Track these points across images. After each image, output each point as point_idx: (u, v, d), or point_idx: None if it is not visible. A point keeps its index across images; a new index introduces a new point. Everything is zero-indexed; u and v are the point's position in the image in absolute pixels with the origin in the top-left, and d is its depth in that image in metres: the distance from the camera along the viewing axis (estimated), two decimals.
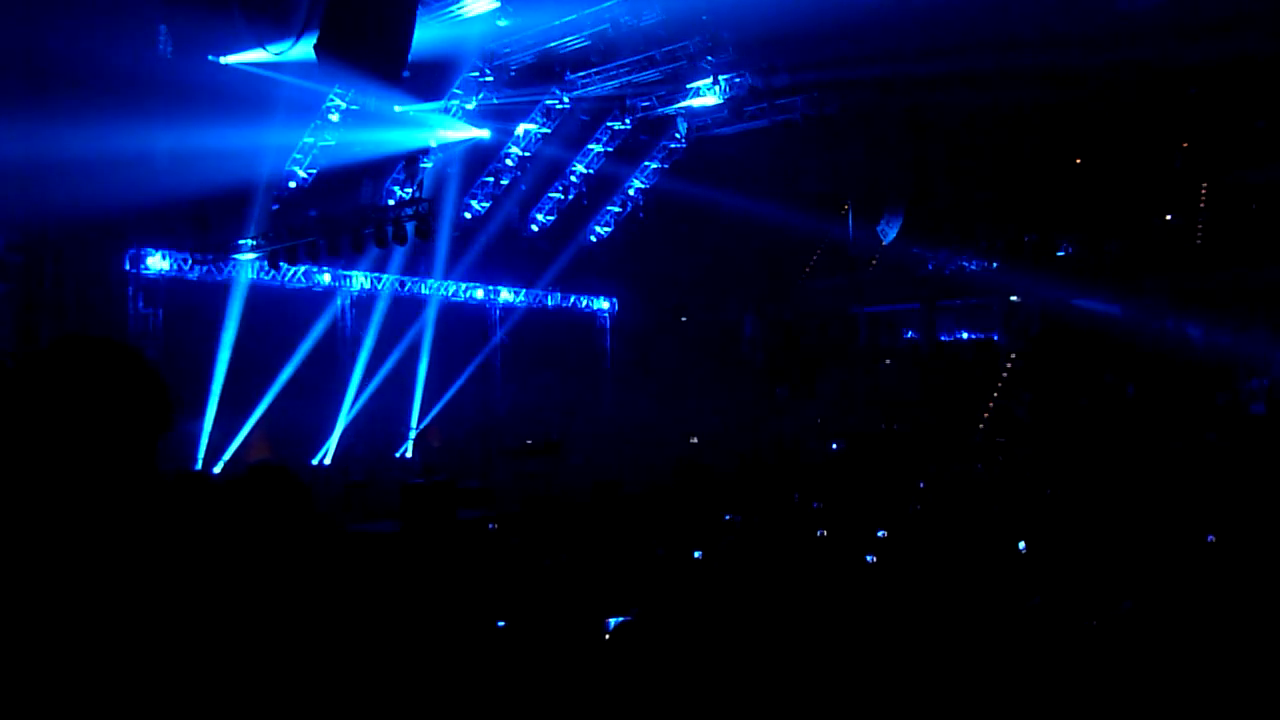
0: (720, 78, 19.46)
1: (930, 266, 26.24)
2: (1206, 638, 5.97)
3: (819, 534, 10.36)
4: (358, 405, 20.38)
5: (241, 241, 17.29)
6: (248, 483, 2.50)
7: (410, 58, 12.13)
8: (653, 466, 17.98)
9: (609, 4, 16.69)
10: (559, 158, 22.89)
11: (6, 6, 14.00)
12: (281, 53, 13.09)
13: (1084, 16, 18.07)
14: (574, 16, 17.15)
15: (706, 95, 20.06)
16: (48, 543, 1.51)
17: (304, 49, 12.89)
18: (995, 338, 26.36)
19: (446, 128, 19.56)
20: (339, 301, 20.58)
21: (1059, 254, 25.27)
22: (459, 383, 22.10)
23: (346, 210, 17.45)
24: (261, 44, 13.01)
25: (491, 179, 22.10)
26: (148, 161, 16.65)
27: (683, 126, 23.42)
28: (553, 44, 17.85)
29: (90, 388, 1.61)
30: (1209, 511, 10.77)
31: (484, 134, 20.32)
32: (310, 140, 18.66)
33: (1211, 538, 9.16)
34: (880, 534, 9.94)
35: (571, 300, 25.67)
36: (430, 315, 21.71)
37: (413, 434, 20.78)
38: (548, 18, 17.25)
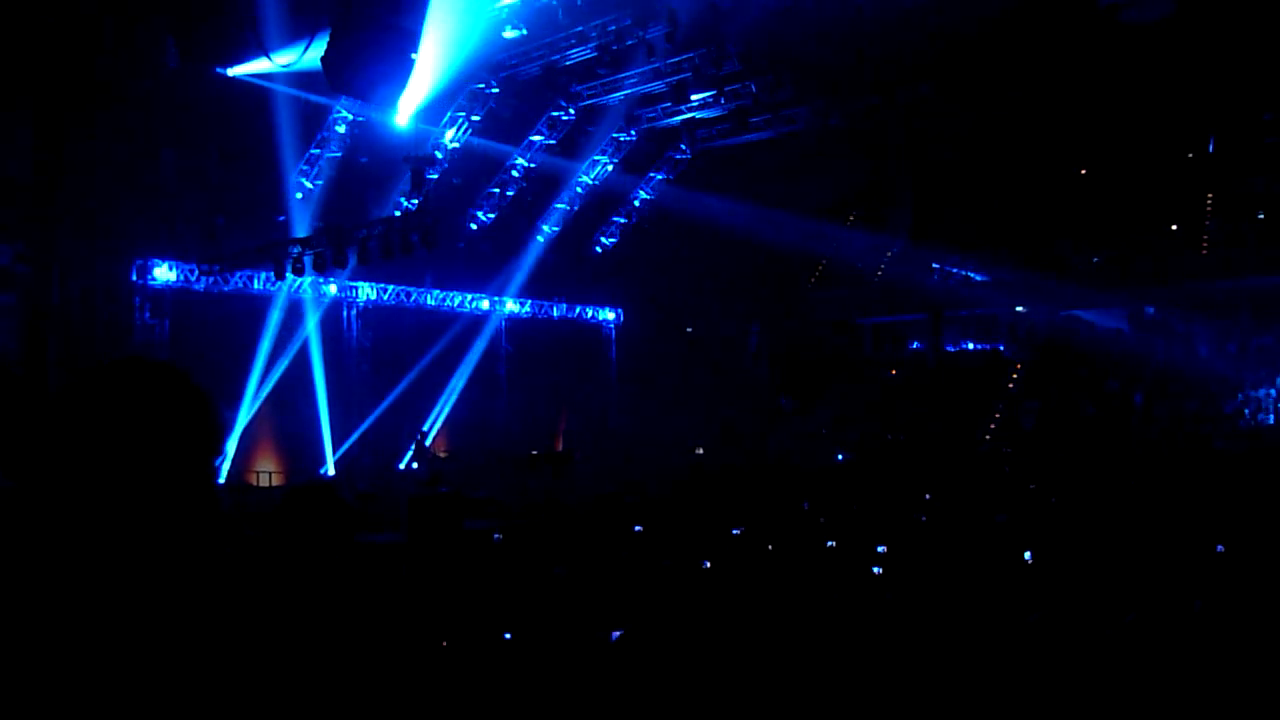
0: (725, 89, 19.51)
1: (936, 277, 26.24)
2: (1215, 648, 5.94)
3: (828, 545, 10.32)
4: (372, 415, 20.42)
5: (248, 252, 17.34)
6: (295, 503, 2.49)
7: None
8: (658, 477, 17.96)
9: (615, 16, 16.74)
10: (564, 169, 22.94)
11: (13, 20, 14.08)
12: (288, 65, 13.18)
13: (1089, 27, 18.09)
14: (580, 29, 17.20)
15: (711, 107, 20.13)
16: (101, 569, 1.51)
17: (310, 61, 12.99)
18: (1001, 348, 26.31)
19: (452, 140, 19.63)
20: (345, 312, 20.62)
21: (1064, 264, 25.25)
22: (463, 392, 22.10)
23: (352, 221, 17.49)
24: (269, 56, 13.09)
25: (497, 190, 22.14)
26: (154, 172, 16.74)
27: (687, 138, 23.47)
28: (558, 56, 17.89)
29: (147, 414, 1.60)
30: (1217, 521, 10.72)
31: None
32: (317, 151, 18.73)
33: (1221, 548, 9.11)
34: (880, 549, 9.86)
35: (577, 311, 25.68)
36: (436, 326, 21.74)
37: (413, 445, 20.76)
38: (555, 29, 17.30)
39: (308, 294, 19.36)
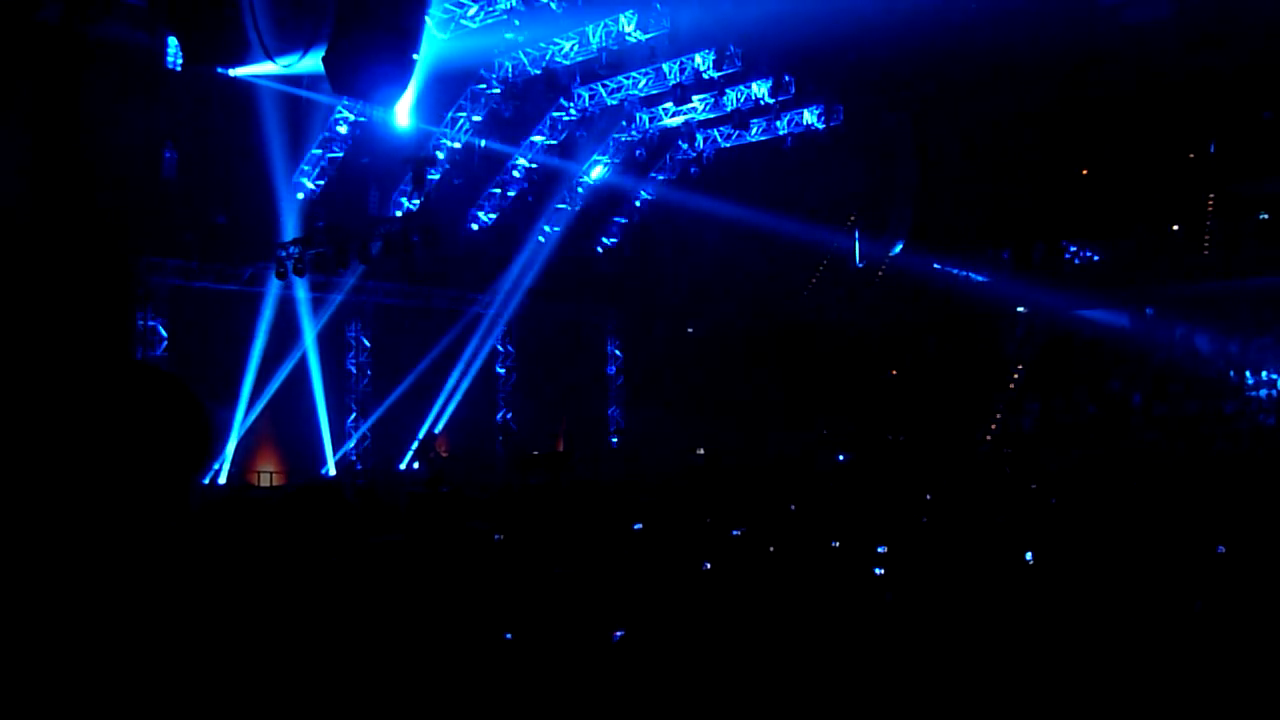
0: (727, 90, 19.52)
1: (936, 278, 26.24)
2: (1216, 647, 5.94)
3: (828, 545, 10.32)
4: (373, 415, 20.44)
5: (249, 252, 17.35)
6: (300, 503, 2.51)
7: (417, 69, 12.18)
8: (659, 478, 17.97)
9: (616, 17, 16.75)
10: (564, 169, 22.95)
11: (14, 18, 14.09)
12: (289, 65, 13.18)
13: (1090, 29, 18.09)
14: (582, 29, 17.20)
15: (712, 108, 20.13)
16: (75, 563, 1.52)
17: (311, 62, 13.01)
18: (1002, 348, 26.32)
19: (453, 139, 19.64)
20: (346, 312, 20.62)
21: (1066, 264, 25.25)
22: (464, 392, 22.11)
23: (354, 221, 17.50)
24: (271, 57, 13.09)
25: (498, 190, 22.15)
26: (155, 172, 16.74)
27: (688, 139, 23.48)
28: (560, 56, 17.90)
29: (144, 421, 1.62)
30: (1218, 522, 10.72)
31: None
32: (318, 151, 18.74)
33: (1222, 549, 9.11)
34: (880, 549, 9.84)
35: (577, 311, 25.67)
36: (437, 326, 21.75)
37: (414, 445, 20.77)
38: (555, 30, 17.30)
39: (308, 294, 19.36)
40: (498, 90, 18.86)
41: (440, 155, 19.90)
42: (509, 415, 23.62)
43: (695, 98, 20.06)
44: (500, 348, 23.83)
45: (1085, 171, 24.68)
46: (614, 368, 26.74)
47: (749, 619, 6.98)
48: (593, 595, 7.85)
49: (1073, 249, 25.41)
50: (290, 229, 18.04)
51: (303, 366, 18.89)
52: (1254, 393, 20.73)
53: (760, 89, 19.63)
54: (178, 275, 17.64)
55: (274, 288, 18.28)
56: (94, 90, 14.89)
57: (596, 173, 23.42)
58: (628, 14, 16.66)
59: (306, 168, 18.82)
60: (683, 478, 18.35)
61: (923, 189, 25.51)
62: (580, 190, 23.65)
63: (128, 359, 16.75)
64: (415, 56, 12.57)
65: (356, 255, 16.36)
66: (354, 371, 20.66)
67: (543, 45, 17.77)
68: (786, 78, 19.39)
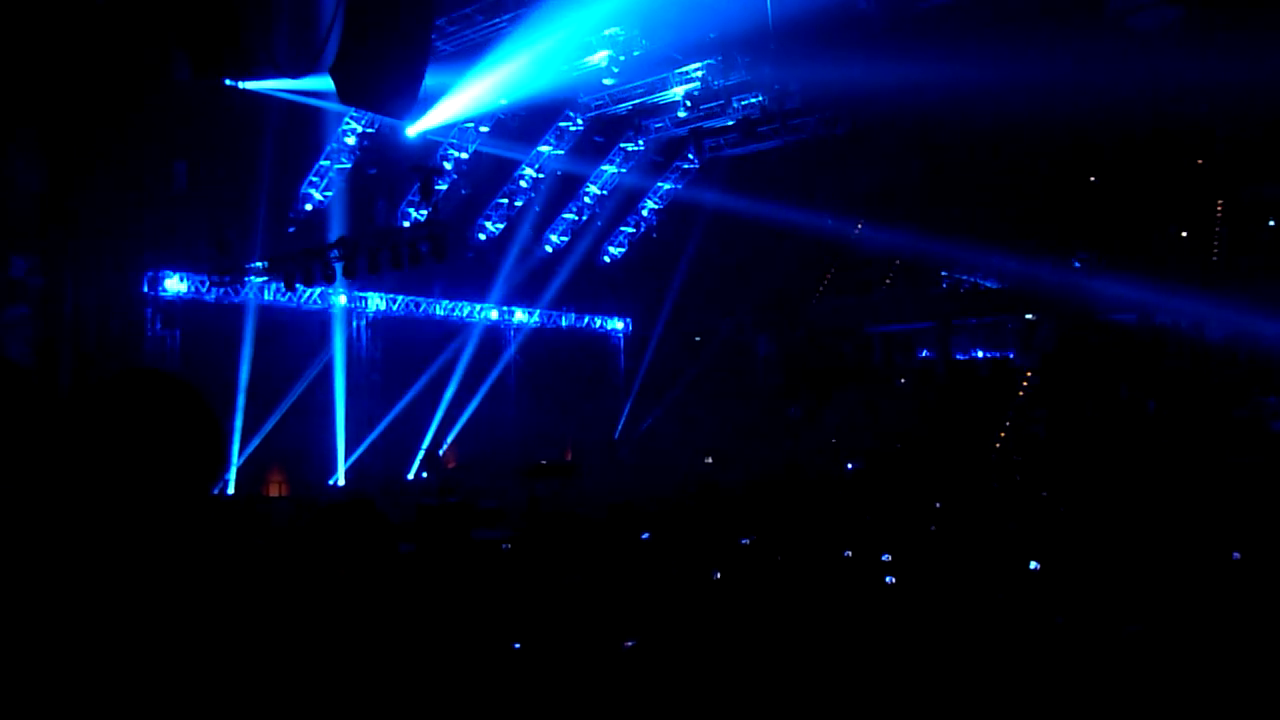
0: (733, 99, 19.55)
1: (945, 285, 26.19)
2: (1228, 655, 5.90)
3: (838, 554, 10.29)
4: (381, 425, 20.46)
5: (258, 263, 17.43)
6: (335, 516, 2.51)
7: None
8: (668, 486, 17.94)
9: (620, 26, 16.80)
10: (573, 179, 23.01)
11: (25, 32, 14.20)
12: (298, 76, 13.26)
13: (1095, 34, 18.10)
14: (587, 40, 17.26)
15: (719, 116, 20.17)
16: (88, 579, 1.52)
17: (320, 74, 13.09)
18: (1011, 355, 26.24)
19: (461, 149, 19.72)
20: (354, 322, 20.68)
21: (1075, 271, 25.17)
22: (474, 403, 22.13)
23: (362, 231, 17.56)
24: (279, 69, 13.18)
25: (506, 200, 22.22)
26: (166, 184, 16.84)
27: (695, 147, 23.52)
28: (566, 66, 17.96)
29: (155, 428, 1.61)
30: (1230, 529, 10.65)
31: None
32: (326, 162, 18.83)
33: (1237, 555, 9.05)
34: (885, 557, 9.79)
35: (585, 320, 25.70)
36: (445, 336, 21.79)
37: (420, 454, 20.77)
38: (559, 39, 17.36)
39: (317, 304, 19.44)
40: (503, 101, 18.94)
41: (448, 165, 19.98)
42: (518, 425, 23.61)
43: (702, 106, 20.11)
44: (508, 357, 23.86)
45: (1093, 178, 24.63)
46: (622, 376, 26.74)
47: (759, 627, 6.96)
48: (602, 604, 7.83)
49: (1081, 255, 25.33)
50: (300, 240, 18.11)
51: (312, 377, 18.96)
52: (1265, 398, 20.62)
53: (766, 97, 19.65)
54: (189, 286, 17.73)
55: (283, 299, 18.36)
56: (105, 103, 15.00)
57: (603, 181, 23.47)
58: (634, 22, 16.71)
59: (316, 179, 18.92)
60: (691, 486, 18.30)
61: (929, 193, 25.51)
62: (588, 199, 23.71)
63: (137, 367, 16.76)
64: (419, 84, 12.63)
65: (365, 265, 16.41)
66: (362, 381, 20.70)
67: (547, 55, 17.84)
68: (792, 86, 19.41)
